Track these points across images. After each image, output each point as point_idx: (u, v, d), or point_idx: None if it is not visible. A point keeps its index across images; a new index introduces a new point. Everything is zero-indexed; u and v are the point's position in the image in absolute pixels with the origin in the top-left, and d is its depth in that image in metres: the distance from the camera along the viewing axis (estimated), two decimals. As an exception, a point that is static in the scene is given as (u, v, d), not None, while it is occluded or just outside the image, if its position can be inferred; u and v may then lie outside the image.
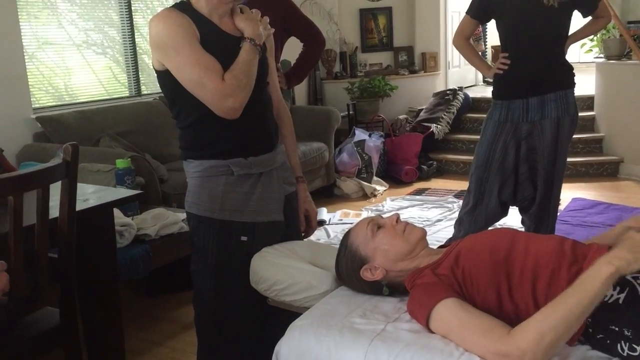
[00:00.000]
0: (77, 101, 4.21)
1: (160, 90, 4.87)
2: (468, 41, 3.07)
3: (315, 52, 3.42)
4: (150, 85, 4.73)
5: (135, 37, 4.54)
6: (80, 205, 1.91)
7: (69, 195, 1.76)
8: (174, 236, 2.56)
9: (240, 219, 1.73)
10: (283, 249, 1.78)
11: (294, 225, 1.91)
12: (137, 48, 4.57)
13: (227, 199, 1.72)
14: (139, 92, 4.57)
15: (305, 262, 1.75)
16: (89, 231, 2.04)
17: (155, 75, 1.73)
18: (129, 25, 4.48)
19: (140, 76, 4.59)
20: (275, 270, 1.68)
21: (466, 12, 2.99)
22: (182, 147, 1.79)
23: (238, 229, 1.73)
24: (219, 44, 1.65)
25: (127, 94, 4.53)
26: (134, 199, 2.19)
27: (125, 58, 4.52)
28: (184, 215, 2.68)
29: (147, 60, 4.77)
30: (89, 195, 2.13)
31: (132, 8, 4.50)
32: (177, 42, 1.59)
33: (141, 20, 4.66)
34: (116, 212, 2.32)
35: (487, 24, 3.17)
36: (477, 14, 2.95)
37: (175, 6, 1.68)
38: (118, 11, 4.44)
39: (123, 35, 4.49)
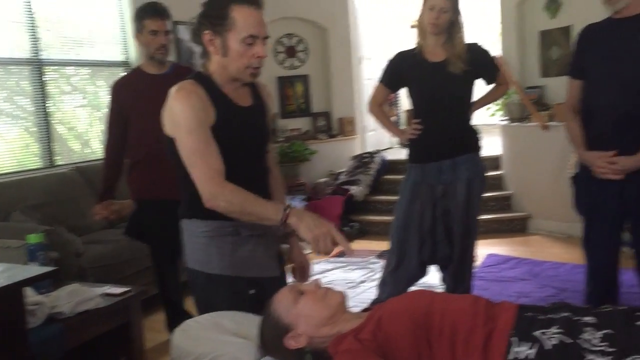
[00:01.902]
0: (-14, 174, 4.04)
1: (75, 161, 4.73)
2: (381, 107, 3.21)
3: None
4: (65, 155, 4.61)
5: (49, 106, 4.44)
6: (-12, 286, 1.81)
7: (-24, 277, 1.67)
8: (91, 312, 2.45)
9: (247, 274, 1.85)
10: (205, 321, 1.75)
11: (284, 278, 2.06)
12: (50, 117, 4.47)
13: (235, 257, 1.84)
14: (52, 163, 4.44)
15: (229, 334, 1.73)
16: (-2, 313, 1.93)
17: (163, 136, 1.82)
18: (41, 94, 4.39)
19: (54, 146, 4.47)
20: (198, 343, 1.65)
21: (379, 80, 3.14)
22: (187, 206, 1.89)
23: (246, 284, 1.84)
24: (233, 118, 1.80)
25: (40, 165, 4.39)
26: (47, 276, 2.10)
27: (38, 128, 4.40)
28: (101, 290, 2.60)
29: (61, 130, 4.67)
30: (-3, 274, 2.02)
31: (44, 78, 4.43)
32: (189, 126, 1.72)
33: (54, 90, 4.58)
34: (28, 290, 2.21)
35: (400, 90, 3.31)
36: (389, 83, 3.09)
37: (197, 78, 1.81)
38: (30, 80, 4.35)
39: (35, 104, 4.38)
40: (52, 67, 4.55)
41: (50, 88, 4.51)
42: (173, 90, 1.78)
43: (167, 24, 3.04)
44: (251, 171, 1.87)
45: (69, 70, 4.78)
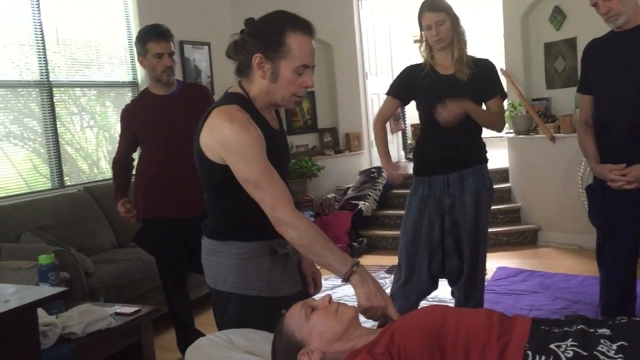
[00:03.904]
0: (-4, 196, 4.06)
1: (83, 182, 4.75)
2: (384, 126, 3.16)
3: None
4: (74, 176, 4.64)
5: (58, 127, 4.48)
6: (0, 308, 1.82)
7: (-10, 298, 1.68)
8: (102, 332, 2.45)
9: (280, 294, 1.85)
10: (218, 339, 1.75)
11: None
12: (60, 139, 4.50)
13: (271, 277, 1.84)
14: (62, 184, 4.47)
15: (241, 351, 1.72)
16: (11, 335, 1.93)
17: (200, 159, 1.78)
18: (50, 116, 4.43)
19: (63, 167, 4.50)
20: (211, 362, 1.65)
21: (387, 93, 3.13)
22: (219, 228, 1.86)
23: (279, 304, 1.80)
24: (273, 143, 1.78)
25: (50, 186, 4.42)
26: (58, 297, 2.10)
27: (48, 149, 4.44)
28: (112, 310, 2.60)
29: (70, 151, 4.70)
30: (9, 296, 2.02)
31: (54, 99, 4.47)
32: (250, 154, 1.68)
33: (63, 111, 4.62)
34: (39, 311, 2.21)
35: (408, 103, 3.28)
36: (397, 94, 3.08)
37: (240, 103, 1.75)
38: (39, 102, 4.40)
39: (45, 126, 4.42)
40: (60, 89, 4.59)
41: (59, 109, 4.56)
42: (222, 117, 1.71)
43: (171, 46, 3.04)
44: None
45: (77, 91, 4.82)
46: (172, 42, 3.07)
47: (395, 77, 3.15)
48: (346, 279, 1.64)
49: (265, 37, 1.72)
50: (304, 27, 1.73)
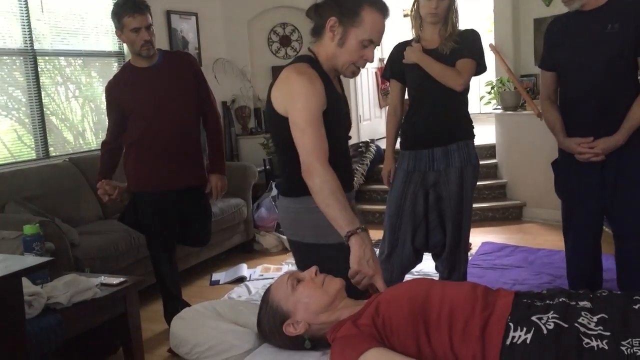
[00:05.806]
0: (-21, 165, 4.01)
1: (69, 152, 4.70)
2: (395, 115, 3.16)
3: (217, 132, 3.28)
4: (59, 147, 4.59)
5: (43, 97, 4.42)
6: (-16, 277, 1.81)
7: (-26, 267, 1.67)
8: (88, 303, 2.45)
9: (336, 241, 1.79)
10: (203, 309, 1.76)
11: None
12: (45, 109, 4.44)
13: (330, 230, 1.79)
14: (47, 154, 4.42)
15: (227, 321, 1.74)
16: (-5, 303, 1.93)
17: (271, 115, 1.87)
18: (35, 85, 4.36)
19: (48, 137, 4.45)
20: (196, 331, 1.66)
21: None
22: (293, 185, 1.90)
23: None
24: (335, 102, 1.87)
25: (34, 157, 4.37)
26: (43, 266, 2.09)
27: (32, 119, 4.38)
28: (97, 281, 2.60)
29: (55, 121, 4.64)
30: (-6, 265, 2.01)
31: (39, 68, 4.40)
32: (307, 103, 1.77)
33: (48, 81, 4.55)
34: (24, 281, 2.20)
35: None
36: (393, 74, 3.08)
37: (310, 62, 1.86)
38: (24, 72, 4.32)
39: (29, 96, 4.35)
40: (45, 58, 4.52)
41: (44, 79, 4.49)
42: (291, 70, 1.81)
43: (148, 18, 2.93)
44: (342, 156, 1.91)
45: (62, 60, 4.74)
46: (149, 13, 2.96)
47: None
48: (347, 238, 1.67)
49: (344, 4, 1.82)
50: (381, 6, 1.85)
